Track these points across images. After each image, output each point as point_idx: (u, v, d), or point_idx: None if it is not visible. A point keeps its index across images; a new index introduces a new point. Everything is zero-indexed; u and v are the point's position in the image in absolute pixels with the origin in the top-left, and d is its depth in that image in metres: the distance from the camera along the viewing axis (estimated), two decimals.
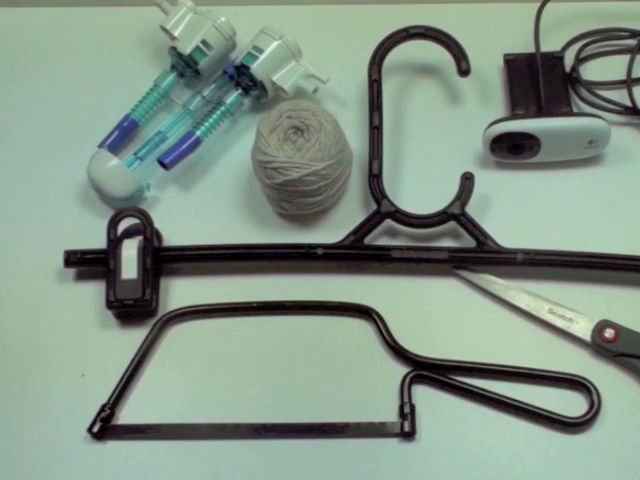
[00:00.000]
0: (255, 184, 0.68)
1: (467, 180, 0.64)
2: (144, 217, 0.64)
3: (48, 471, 0.60)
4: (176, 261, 0.65)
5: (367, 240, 0.65)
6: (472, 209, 0.66)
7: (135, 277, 0.62)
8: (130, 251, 0.63)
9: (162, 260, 0.65)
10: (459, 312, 0.64)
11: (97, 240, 0.67)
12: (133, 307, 0.62)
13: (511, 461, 0.58)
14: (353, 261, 0.64)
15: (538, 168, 0.69)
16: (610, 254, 0.62)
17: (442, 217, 0.63)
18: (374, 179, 0.65)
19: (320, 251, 0.63)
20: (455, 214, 0.63)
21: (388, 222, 0.66)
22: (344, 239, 0.64)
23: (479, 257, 0.63)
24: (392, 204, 0.64)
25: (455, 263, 0.63)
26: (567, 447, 0.58)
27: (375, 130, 0.66)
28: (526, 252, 0.62)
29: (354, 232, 0.64)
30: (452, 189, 0.67)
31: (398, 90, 0.74)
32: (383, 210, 0.64)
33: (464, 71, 0.68)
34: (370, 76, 0.68)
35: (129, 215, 0.65)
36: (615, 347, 0.60)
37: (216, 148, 0.72)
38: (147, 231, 0.64)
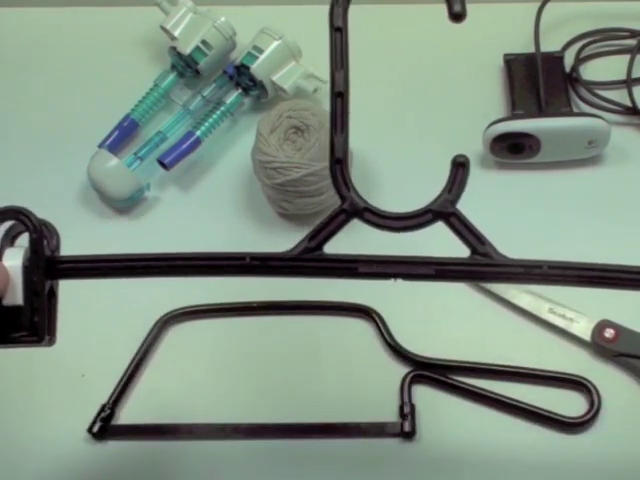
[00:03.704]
0: (255, 184, 0.68)
1: (460, 167, 0.46)
2: (26, 218, 0.46)
3: (48, 471, 0.60)
4: (78, 276, 0.46)
5: (331, 245, 0.48)
6: (471, 209, 0.66)
7: (21, 303, 0.43)
8: (13, 262, 0.44)
9: (58, 275, 0.45)
10: (459, 312, 0.64)
11: (97, 240, 0.67)
12: (22, 343, 0.46)
13: (511, 461, 0.58)
14: (307, 276, 0.47)
15: (538, 168, 0.69)
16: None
17: (426, 217, 0.46)
18: (337, 166, 0.46)
19: (255, 263, 0.46)
20: (443, 212, 0.46)
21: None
22: (296, 246, 0.46)
23: (475, 272, 0.46)
24: (361, 199, 0.46)
25: (445, 280, 0.47)
26: (567, 447, 0.58)
27: (338, 98, 0.47)
28: (536, 265, 0.46)
29: (311, 236, 0.46)
30: None
31: (398, 90, 0.74)
32: (348, 208, 0.46)
33: (456, 14, 0.49)
34: (331, 22, 0.48)
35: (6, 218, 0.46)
36: (615, 347, 0.60)
37: (216, 148, 0.72)
38: (33, 237, 0.44)
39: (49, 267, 0.44)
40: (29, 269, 0.43)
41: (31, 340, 0.45)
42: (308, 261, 0.46)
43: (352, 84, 0.73)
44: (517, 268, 0.45)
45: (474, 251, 0.46)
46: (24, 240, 0.44)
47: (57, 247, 0.46)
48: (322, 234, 0.46)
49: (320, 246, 0.46)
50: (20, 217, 0.45)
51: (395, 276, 0.46)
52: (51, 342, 0.46)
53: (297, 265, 0.46)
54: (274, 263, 0.46)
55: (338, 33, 0.49)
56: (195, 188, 0.71)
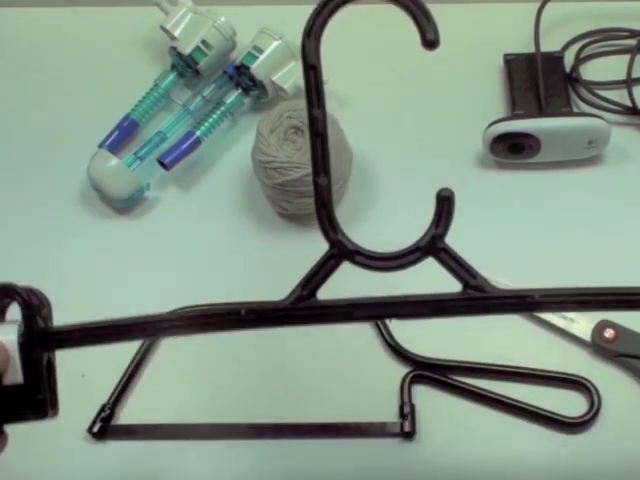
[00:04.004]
0: (255, 184, 0.68)
1: (445, 201, 0.44)
2: (16, 295, 0.44)
3: (48, 471, 0.60)
4: (75, 345, 0.46)
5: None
6: (471, 210, 0.66)
7: (21, 381, 0.42)
8: (7, 337, 0.42)
9: (55, 346, 0.45)
10: None
11: (97, 240, 0.67)
12: (27, 420, 0.45)
13: (511, 461, 0.58)
14: (304, 325, 0.46)
15: (538, 168, 0.69)
16: None
17: (415, 255, 0.45)
18: (323, 210, 0.45)
19: (251, 316, 0.45)
20: (433, 249, 0.45)
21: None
22: (290, 294, 0.45)
23: (470, 307, 0.45)
24: (350, 242, 0.45)
25: (441, 316, 0.46)
26: (567, 447, 0.58)
27: (318, 139, 0.44)
28: (527, 294, 0.44)
29: (303, 285, 0.45)
30: (452, 188, 0.67)
31: (398, 90, 0.74)
32: (338, 252, 0.45)
33: (429, 42, 0.48)
34: (305, 60, 0.46)
35: None
36: (615, 347, 0.60)
37: (216, 148, 0.72)
38: (25, 313, 0.43)
39: (45, 340, 0.44)
40: (25, 345, 0.42)
41: (36, 417, 0.44)
42: (303, 310, 0.45)
43: (352, 84, 0.74)
44: (510, 299, 0.45)
45: (466, 285, 0.45)
46: (14, 308, 0.44)
47: (49, 316, 0.45)
48: (314, 281, 0.45)
49: (313, 293, 0.45)
50: (8, 294, 0.43)
51: (390, 317, 0.46)
52: (55, 414, 0.45)
53: (292, 315, 0.45)
54: (270, 315, 0.45)
55: (312, 70, 0.46)
56: (195, 188, 0.71)
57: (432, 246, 0.44)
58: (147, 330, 0.46)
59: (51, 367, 0.44)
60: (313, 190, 0.44)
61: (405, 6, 0.48)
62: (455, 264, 0.45)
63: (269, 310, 0.45)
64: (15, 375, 0.41)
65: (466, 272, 0.45)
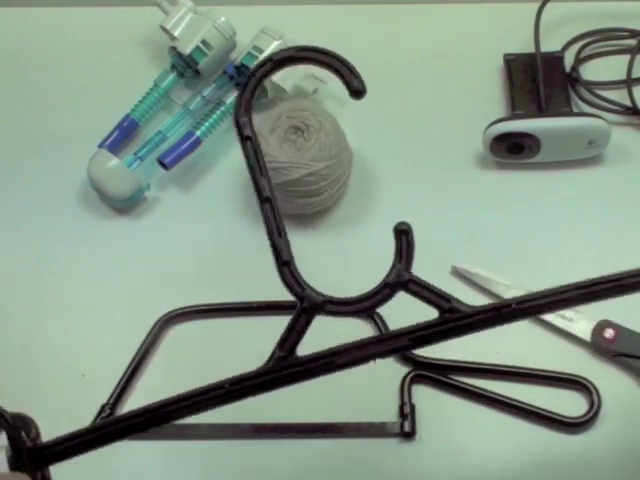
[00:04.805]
0: None
1: (403, 235, 0.44)
2: (1, 419, 0.43)
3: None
4: (67, 456, 0.45)
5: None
6: (472, 210, 0.66)
7: None
8: None
9: (47, 462, 0.44)
10: None
11: (97, 240, 0.67)
12: None
13: (511, 461, 0.58)
14: (289, 384, 0.47)
15: (538, 168, 0.69)
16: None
17: (385, 292, 0.45)
18: (285, 269, 0.47)
19: (235, 387, 0.46)
20: (400, 282, 0.45)
21: None
22: (269, 358, 0.46)
23: (448, 330, 0.45)
24: (318, 293, 0.46)
25: (421, 345, 0.46)
26: (567, 447, 0.58)
27: (266, 203, 0.47)
28: (504, 305, 0.44)
29: (280, 345, 0.46)
30: (452, 189, 0.68)
31: (397, 90, 0.74)
32: (308, 305, 0.46)
33: (356, 91, 0.52)
34: (239, 132, 0.47)
35: None
36: (615, 347, 0.60)
37: (216, 148, 0.72)
38: (10, 435, 0.43)
39: (35, 458, 0.43)
40: (15, 468, 0.42)
41: None
42: (285, 369, 0.46)
43: None
44: (487, 314, 0.44)
45: (442, 310, 0.45)
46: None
47: (37, 435, 0.45)
48: (290, 339, 0.46)
49: (292, 351, 0.46)
50: None
51: (374, 357, 0.46)
52: None
53: (275, 377, 0.46)
54: (251, 383, 0.46)
55: (248, 141, 0.48)
56: (195, 188, 0.71)
57: (399, 279, 0.44)
58: (137, 425, 0.47)
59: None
60: (274, 246, 0.47)
61: (328, 64, 0.51)
62: (426, 292, 0.45)
63: (252, 378, 0.46)
64: None
65: (438, 297, 0.45)
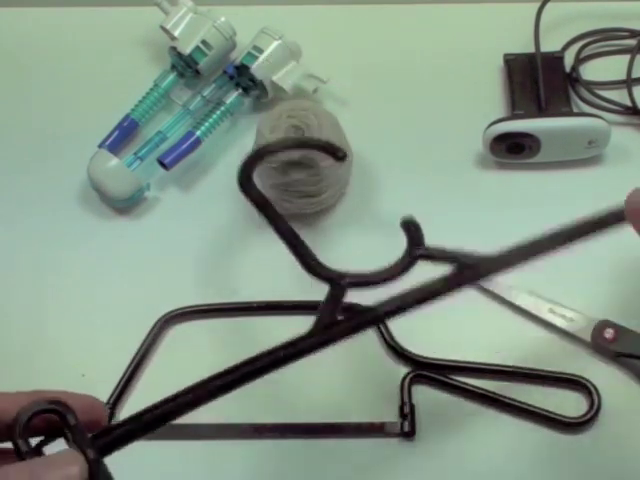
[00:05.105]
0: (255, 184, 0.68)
1: (410, 224, 0.49)
2: (60, 408, 0.43)
3: None
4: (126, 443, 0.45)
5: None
6: (472, 210, 0.66)
7: None
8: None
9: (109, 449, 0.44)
10: (459, 312, 0.63)
11: (97, 240, 0.67)
12: None
13: (511, 461, 0.58)
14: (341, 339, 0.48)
15: (538, 168, 0.69)
16: None
17: (407, 262, 0.49)
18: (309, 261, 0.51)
19: (288, 351, 0.47)
20: (420, 255, 0.49)
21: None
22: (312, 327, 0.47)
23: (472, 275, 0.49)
24: (348, 275, 0.48)
25: (455, 290, 0.49)
26: (567, 447, 0.58)
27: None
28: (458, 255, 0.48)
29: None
30: (452, 189, 0.68)
31: (397, 90, 0.74)
32: (341, 285, 0.48)
33: (341, 157, 0.58)
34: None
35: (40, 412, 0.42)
36: (615, 347, 0.60)
37: (216, 148, 0.72)
38: (70, 424, 0.42)
39: (102, 446, 0.43)
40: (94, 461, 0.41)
41: None
42: (330, 329, 0.47)
43: (352, 84, 0.74)
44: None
45: (459, 264, 0.48)
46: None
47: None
48: (327, 310, 0.47)
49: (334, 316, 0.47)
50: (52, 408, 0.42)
51: (408, 308, 0.48)
52: None
53: (324, 339, 0.48)
54: (306, 342, 0.48)
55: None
56: (195, 188, 0.71)
57: (418, 253, 0.49)
58: (188, 404, 0.48)
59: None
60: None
61: (316, 146, 0.58)
62: (441, 252, 0.49)
63: (305, 338, 0.48)
64: None
65: (454, 256, 0.49)
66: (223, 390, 0.47)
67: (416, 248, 0.49)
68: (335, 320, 0.47)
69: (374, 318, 0.47)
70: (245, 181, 0.55)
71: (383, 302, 0.47)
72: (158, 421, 0.45)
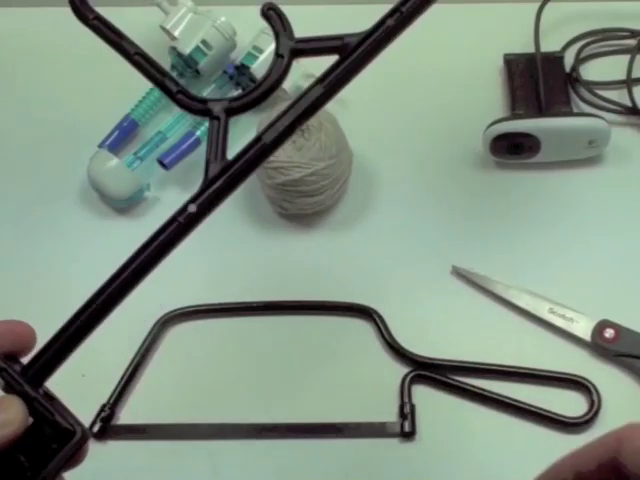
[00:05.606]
0: (255, 184, 0.68)
1: (270, 11, 0.46)
2: None
3: None
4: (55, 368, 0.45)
5: None
6: (472, 210, 0.66)
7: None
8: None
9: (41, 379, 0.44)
10: (459, 312, 0.64)
11: (97, 240, 0.67)
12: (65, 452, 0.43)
13: (511, 461, 0.58)
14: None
15: (538, 168, 0.69)
16: None
17: (281, 62, 0.45)
18: (178, 95, 0.48)
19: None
20: (294, 49, 0.45)
21: None
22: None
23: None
24: (223, 100, 0.47)
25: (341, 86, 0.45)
26: (567, 447, 0.58)
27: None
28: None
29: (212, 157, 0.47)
30: (452, 189, 0.68)
31: (398, 90, 0.74)
32: (219, 117, 0.49)
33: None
34: None
35: None
36: (615, 347, 0.60)
37: None
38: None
39: (31, 377, 0.42)
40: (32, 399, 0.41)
41: (67, 445, 0.42)
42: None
43: (352, 84, 0.74)
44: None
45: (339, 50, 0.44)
46: None
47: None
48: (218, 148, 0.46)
49: (224, 157, 0.47)
50: None
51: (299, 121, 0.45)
52: (84, 432, 0.41)
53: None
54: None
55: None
56: (195, 188, 0.70)
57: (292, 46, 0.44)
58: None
59: (53, 399, 0.43)
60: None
61: None
62: (314, 42, 0.46)
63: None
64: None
65: (330, 40, 0.45)
66: (137, 278, 0.45)
67: (287, 41, 0.43)
68: (228, 163, 0.45)
69: (263, 150, 0.44)
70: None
71: (263, 130, 0.44)
72: (81, 330, 0.44)
